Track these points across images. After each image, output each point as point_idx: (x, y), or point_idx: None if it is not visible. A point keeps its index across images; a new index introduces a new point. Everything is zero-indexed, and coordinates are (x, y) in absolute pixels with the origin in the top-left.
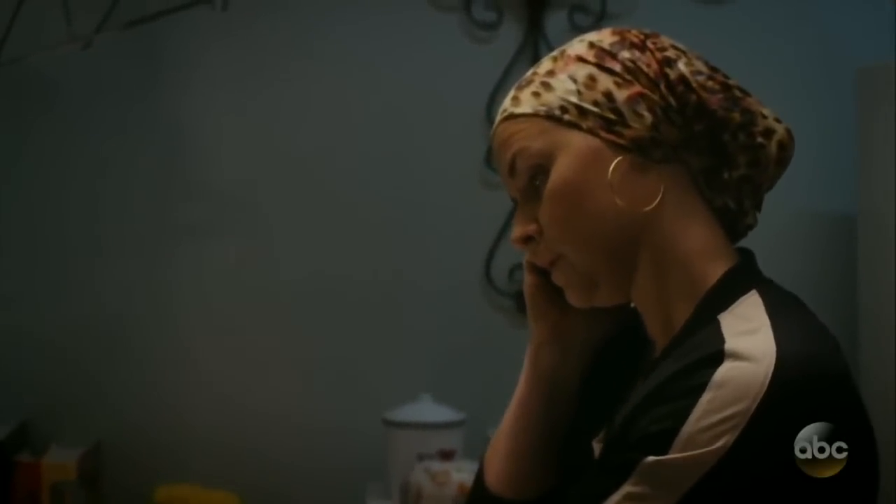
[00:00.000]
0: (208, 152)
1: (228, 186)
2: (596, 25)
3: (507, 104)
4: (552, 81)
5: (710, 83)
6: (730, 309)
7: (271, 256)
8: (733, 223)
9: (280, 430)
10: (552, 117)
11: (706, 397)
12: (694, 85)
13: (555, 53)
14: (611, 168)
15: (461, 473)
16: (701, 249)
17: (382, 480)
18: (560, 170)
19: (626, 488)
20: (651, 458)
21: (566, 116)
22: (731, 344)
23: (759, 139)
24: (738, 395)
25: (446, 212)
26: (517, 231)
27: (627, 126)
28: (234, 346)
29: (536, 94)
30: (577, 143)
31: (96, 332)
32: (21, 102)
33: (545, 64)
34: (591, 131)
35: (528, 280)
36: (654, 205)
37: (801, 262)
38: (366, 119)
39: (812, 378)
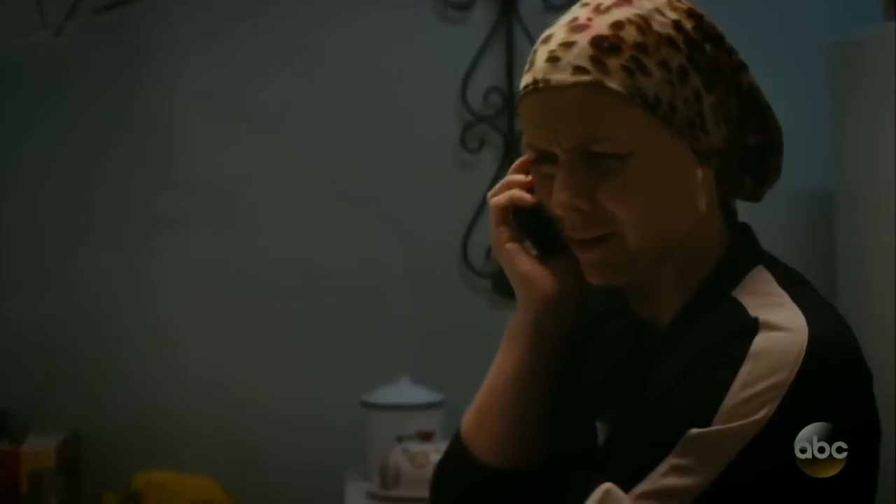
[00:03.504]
0: (184, 139)
1: (206, 174)
2: (569, 5)
3: (584, 62)
4: (647, 63)
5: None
6: (741, 285)
7: (249, 243)
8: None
9: (259, 415)
10: (645, 106)
11: (746, 368)
12: (762, 100)
13: (629, 14)
14: (699, 177)
15: (440, 455)
16: (716, 236)
17: (362, 462)
18: (647, 165)
19: (671, 460)
20: (695, 431)
21: (659, 110)
22: (762, 315)
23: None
24: (776, 365)
25: (422, 193)
26: (569, 200)
27: (706, 132)
28: (212, 333)
29: (629, 72)
30: (664, 141)
31: (75, 321)
32: None
33: (628, 29)
34: (678, 131)
35: (505, 234)
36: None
37: (778, 239)
38: (340, 102)
39: (841, 347)
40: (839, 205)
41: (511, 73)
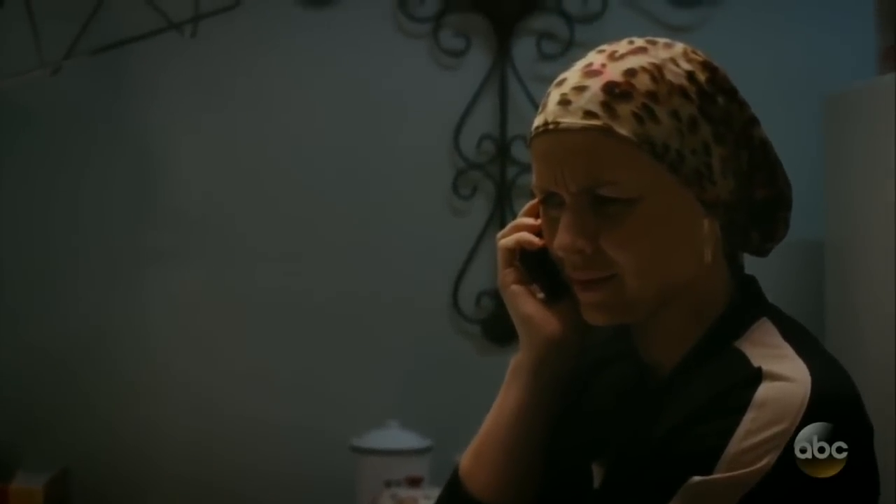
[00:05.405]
0: (178, 176)
1: (198, 209)
2: (564, 54)
3: (595, 107)
4: (658, 111)
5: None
6: (745, 336)
7: (240, 284)
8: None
9: (249, 457)
10: (653, 153)
11: (748, 416)
12: (772, 155)
13: (644, 63)
14: (705, 228)
15: (429, 500)
16: (722, 287)
17: None
18: (652, 212)
19: None
20: (696, 478)
21: (666, 158)
22: (765, 365)
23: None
24: (778, 414)
25: (413, 238)
26: (573, 242)
27: (713, 183)
28: (203, 374)
29: (639, 119)
30: (671, 189)
31: (64, 358)
32: None
33: (641, 77)
34: (685, 180)
35: (511, 276)
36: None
37: (767, 287)
38: (334, 145)
39: (843, 399)
40: (829, 256)
41: (504, 120)
